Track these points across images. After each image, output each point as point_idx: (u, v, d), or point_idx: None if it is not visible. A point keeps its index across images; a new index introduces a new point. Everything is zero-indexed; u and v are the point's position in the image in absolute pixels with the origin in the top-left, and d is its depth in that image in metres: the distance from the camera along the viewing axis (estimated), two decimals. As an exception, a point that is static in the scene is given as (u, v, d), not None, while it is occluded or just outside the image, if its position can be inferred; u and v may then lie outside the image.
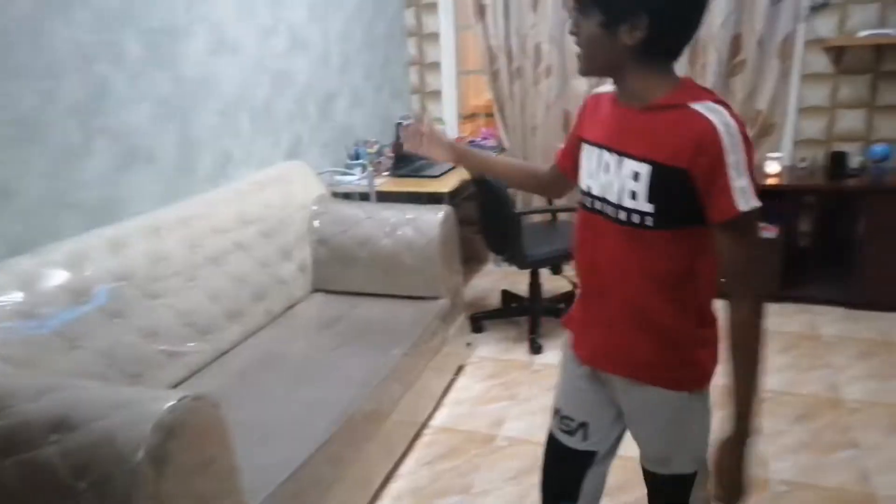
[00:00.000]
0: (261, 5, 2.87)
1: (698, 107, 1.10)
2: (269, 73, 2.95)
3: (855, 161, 3.48)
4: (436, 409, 2.71)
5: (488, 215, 3.20)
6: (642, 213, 1.16)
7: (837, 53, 3.55)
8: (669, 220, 1.15)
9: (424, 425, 2.59)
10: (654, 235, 1.17)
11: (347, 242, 2.73)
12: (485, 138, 4.30)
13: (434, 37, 4.35)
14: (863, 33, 3.35)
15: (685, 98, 1.12)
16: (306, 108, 3.26)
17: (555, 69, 3.95)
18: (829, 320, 3.30)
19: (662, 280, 1.20)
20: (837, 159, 3.44)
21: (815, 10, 3.50)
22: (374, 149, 3.64)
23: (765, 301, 1.16)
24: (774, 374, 2.82)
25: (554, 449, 1.47)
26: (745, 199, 1.08)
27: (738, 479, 1.20)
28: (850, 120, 3.62)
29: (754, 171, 1.10)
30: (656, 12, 1.10)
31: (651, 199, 1.14)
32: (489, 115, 4.32)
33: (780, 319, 3.29)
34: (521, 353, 3.16)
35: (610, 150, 1.21)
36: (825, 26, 3.52)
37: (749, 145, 1.09)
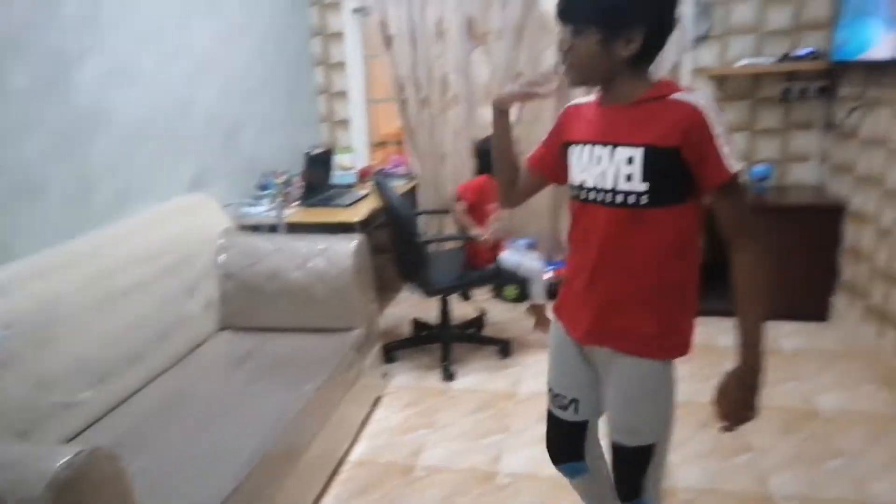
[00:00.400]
0: (162, 32, 2.79)
1: (678, 96, 1.29)
2: (171, 101, 2.86)
3: (740, 181, 3.74)
4: (354, 442, 2.66)
5: (397, 243, 3.22)
6: (637, 194, 1.32)
7: (720, 81, 3.83)
8: (661, 198, 1.32)
9: (342, 460, 2.54)
10: (647, 214, 1.33)
11: (256, 276, 2.66)
12: (395, 165, 4.33)
13: (341, 66, 4.36)
14: (740, 63, 3.63)
15: (665, 91, 1.31)
16: (211, 138, 3.17)
17: (461, 98, 4.05)
18: (723, 330, 3.50)
19: (654, 257, 1.37)
20: (724, 180, 3.69)
21: (699, 41, 3.77)
22: (283, 179, 3.59)
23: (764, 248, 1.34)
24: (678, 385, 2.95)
25: (553, 422, 1.69)
26: (734, 162, 1.27)
27: (748, 404, 1.36)
28: (734, 142, 3.89)
29: None
30: (651, 26, 1.28)
31: (645, 178, 1.31)
32: (400, 142, 4.36)
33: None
34: (436, 380, 3.17)
35: (601, 144, 1.37)
36: (708, 56, 3.80)
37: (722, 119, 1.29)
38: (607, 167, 1.35)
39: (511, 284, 3.41)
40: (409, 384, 3.14)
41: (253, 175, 3.54)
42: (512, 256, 3.24)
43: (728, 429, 1.40)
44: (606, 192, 1.36)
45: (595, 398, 1.59)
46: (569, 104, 1.52)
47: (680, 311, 1.43)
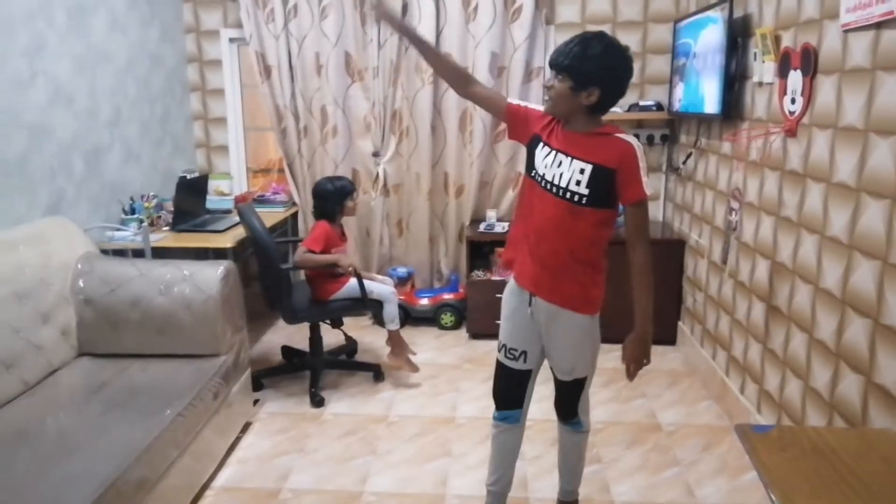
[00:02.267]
0: (14, 55, 2.70)
1: (621, 136, 1.85)
2: (24, 126, 2.76)
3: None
4: (219, 468, 2.64)
5: (261, 270, 3.24)
6: (580, 195, 1.83)
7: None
8: (593, 201, 1.83)
9: (206, 487, 2.52)
10: (581, 210, 1.84)
11: (117, 302, 2.60)
12: (275, 192, 4.35)
13: (219, 93, 4.36)
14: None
15: (611, 131, 1.86)
16: (71, 164, 3.08)
17: (340, 130, 4.16)
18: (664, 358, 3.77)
19: (580, 240, 1.89)
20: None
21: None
22: (153, 203, 3.53)
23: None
24: (600, 407, 3.16)
25: (504, 372, 2.13)
26: (647, 189, 1.83)
27: (645, 355, 2.00)
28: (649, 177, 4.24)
29: None
30: (606, 88, 1.81)
31: (588, 186, 1.81)
32: (282, 170, 4.39)
33: (601, 358, 3.70)
34: (309, 406, 3.19)
35: (564, 153, 1.86)
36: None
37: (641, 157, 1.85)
38: (565, 171, 1.84)
39: (368, 310, 3.43)
40: (280, 410, 3.15)
41: (119, 199, 3.44)
42: (368, 284, 3.24)
43: (633, 376, 2.01)
44: (560, 187, 1.85)
45: (538, 354, 2.09)
46: (540, 108, 2.02)
47: (592, 282, 1.96)
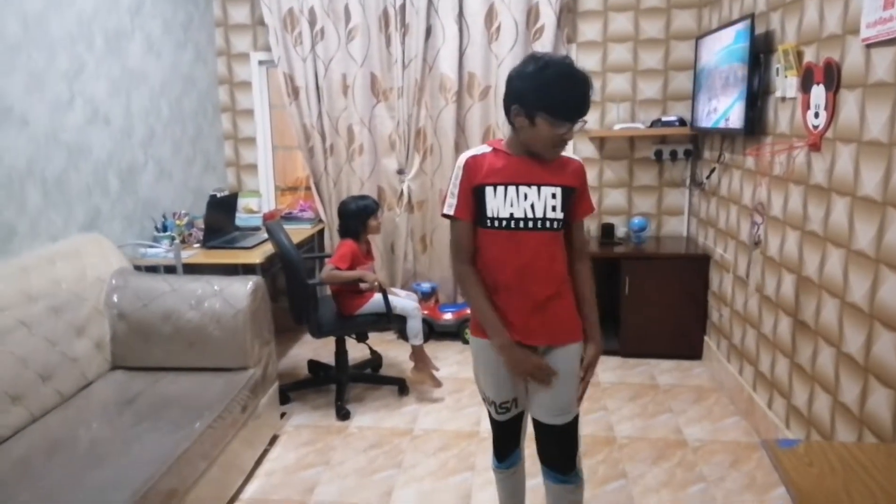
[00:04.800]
0: (55, 78, 2.82)
1: (570, 156, 1.83)
2: (64, 145, 2.87)
3: (620, 231, 4.10)
4: (247, 481, 2.68)
5: (289, 285, 3.30)
6: (558, 220, 1.77)
7: (601, 142, 4.21)
8: (564, 223, 1.80)
9: (235, 499, 2.56)
10: (558, 234, 1.80)
11: (149, 316, 2.68)
12: (302, 210, 4.43)
13: (249, 113, 4.47)
14: (617, 126, 4.02)
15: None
16: (106, 181, 3.19)
17: (366, 148, 4.23)
18: (608, 368, 3.77)
19: (560, 264, 1.83)
20: (607, 230, 4.03)
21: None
22: (184, 221, 3.62)
23: None
24: (626, 422, 3.16)
25: (499, 427, 2.01)
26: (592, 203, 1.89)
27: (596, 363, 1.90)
28: (615, 197, 4.27)
29: None
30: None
31: (562, 209, 1.77)
32: (309, 188, 4.48)
33: (627, 372, 3.73)
34: (334, 419, 3.23)
35: (527, 185, 1.75)
36: (589, 119, 4.15)
37: None
38: (536, 201, 1.75)
39: (392, 325, 3.48)
40: (307, 423, 3.19)
41: (152, 217, 3.55)
42: (393, 300, 3.28)
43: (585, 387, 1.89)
44: (538, 219, 1.76)
45: (524, 392, 1.92)
46: (465, 157, 1.81)
47: (572, 304, 1.87)
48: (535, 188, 1.75)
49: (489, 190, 1.76)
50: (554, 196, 1.75)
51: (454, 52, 3.97)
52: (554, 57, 1.68)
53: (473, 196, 1.77)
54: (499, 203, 1.76)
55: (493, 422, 2.03)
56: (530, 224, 1.76)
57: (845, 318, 2.24)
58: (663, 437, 3.03)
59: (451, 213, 1.80)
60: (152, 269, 3.18)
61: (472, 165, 1.77)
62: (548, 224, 1.76)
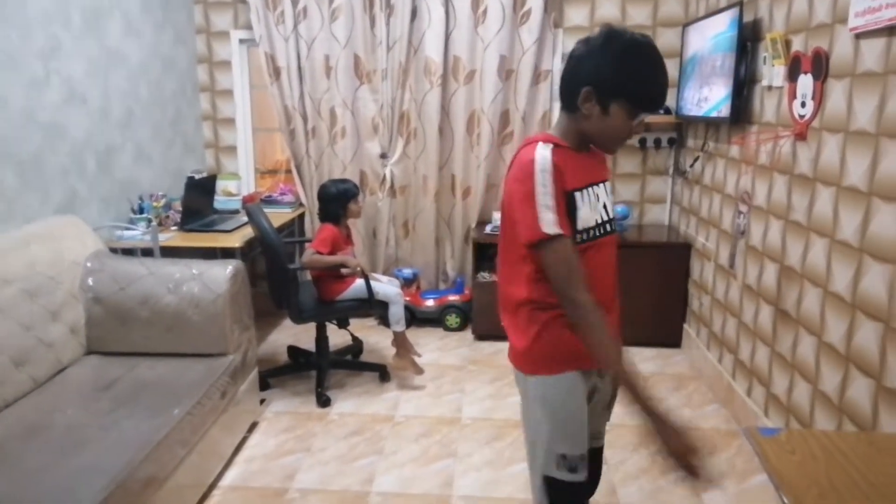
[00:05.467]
0: (30, 56, 2.72)
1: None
2: (39, 125, 2.78)
3: (604, 219, 4.09)
4: (226, 468, 2.65)
5: (269, 270, 3.26)
6: (615, 218, 1.57)
7: (586, 128, 4.18)
8: None
9: (214, 486, 2.52)
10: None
11: (126, 300, 2.61)
12: (282, 193, 4.36)
13: (228, 94, 4.38)
14: (603, 113, 4.00)
15: None
16: (84, 163, 3.10)
17: (349, 132, 4.17)
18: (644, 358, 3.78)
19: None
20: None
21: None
22: (161, 203, 3.54)
23: None
24: None
25: (569, 490, 1.59)
26: None
27: None
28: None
29: None
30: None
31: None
32: (289, 170, 4.41)
33: None
34: (315, 405, 3.20)
35: (594, 184, 1.50)
36: (576, 105, 4.14)
37: None
38: (606, 200, 1.53)
39: (374, 311, 3.43)
40: (287, 410, 3.16)
41: (129, 199, 3.46)
42: (374, 285, 3.24)
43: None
44: (609, 221, 1.52)
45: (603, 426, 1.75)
46: (549, 158, 1.41)
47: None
48: (601, 186, 1.52)
49: (578, 196, 1.44)
50: (608, 193, 1.54)
51: (440, 35, 3.92)
52: (636, 34, 1.41)
53: (566, 205, 1.42)
54: (587, 210, 1.45)
55: (556, 489, 1.57)
56: (607, 228, 1.51)
57: (827, 307, 2.25)
58: (644, 424, 3.04)
59: (556, 230, 1.38)
60: (129, 252, 3.11)
61: (558, 166, 1.40)
62: (615, 225, 1.55)
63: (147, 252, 3.13)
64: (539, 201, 1.37)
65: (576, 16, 4.05)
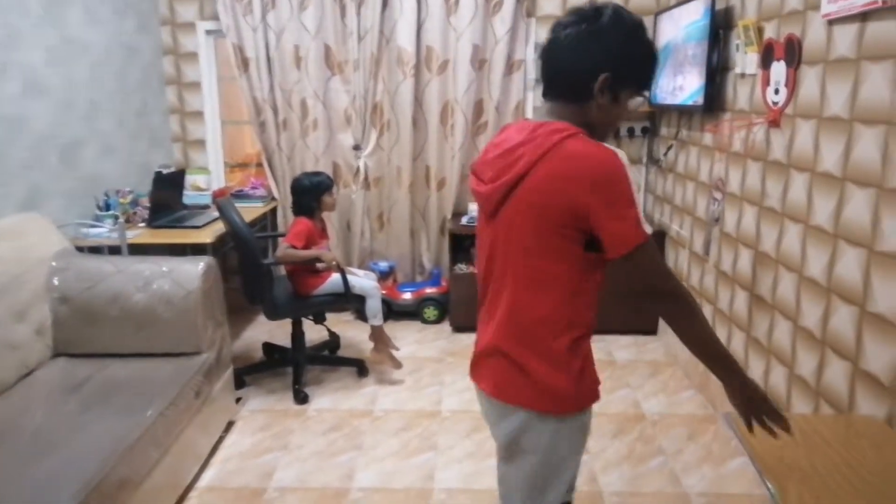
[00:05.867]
0: (-15, 44, 2.62)
1: None
2: (-3, 117, 2.68)
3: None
4: (203, 468, 2.59)
5: (242, 265, 3.19)
6: None
7: (560, 118, 4.17)
8: None
9: (191, 487, 2.47)
10: None
11: (94, 299, 2.53)
12: (254, 187, 4.29)
13: (196, 86, 4.27)
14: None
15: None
16: (46, 157, 2.99)
17: (321, 123, 4.10)
18: (621, 346, 3.81)
19: None
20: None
21: (539, 81, 4.09)
22: (128, 199, 3.45)
23: None
24: None
25: None
26: None
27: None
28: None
29: None
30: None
31: None
32: (260, 164, 4.33)
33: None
34: (291, 402, 3.15)
35: None
36: (549, 95, 4.13)
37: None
38: None
39: (351, 305, 3.37)
40: (263, 407, 3.10)
41: (94, 195, 3.36)
42: (351, 279, 3.19)
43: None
44: None
45: None
46: (620, 156, 1.27)
47: None
48: None
49: None
50: None
51: (412, 25, 3.87)
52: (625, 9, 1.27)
53: None
54: None
55: None
56: None
57: (803, 292, 2.28)
58: (622, 412, 3.06)
59: (648, 228, 1.37)
60: (96, 250, 3.01)
61: None
62: None
63: (114, 250, 3.04)
64: (636, 204, 1.24)
65: (548, 5, 4.03)
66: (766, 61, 2.52)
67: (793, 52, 2.31)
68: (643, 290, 1.30)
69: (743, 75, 2.75)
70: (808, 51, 2.24)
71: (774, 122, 2.47)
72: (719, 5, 2.95)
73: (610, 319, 3.93)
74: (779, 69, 2.41)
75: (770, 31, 2.51)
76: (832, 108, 2.09)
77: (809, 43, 2.23)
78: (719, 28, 2.96)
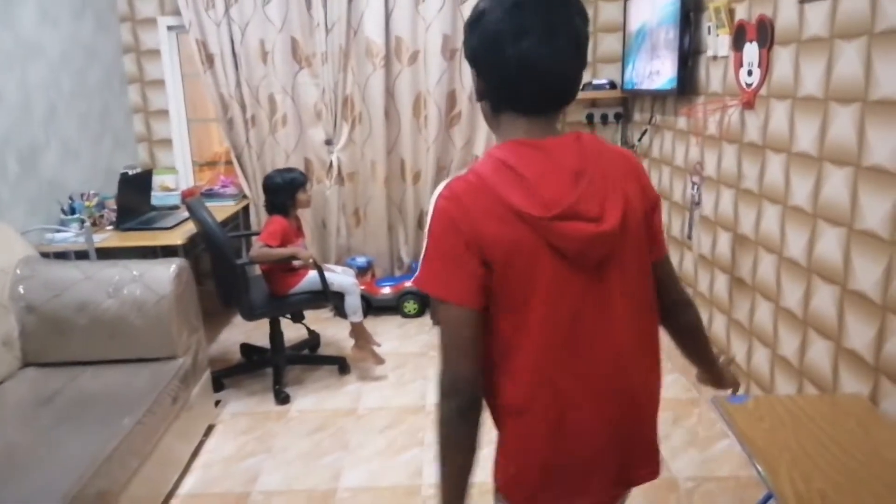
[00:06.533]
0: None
1: None
2: (-50, 122, 2.56)
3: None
4: (184, 475, 2.53)
5: (215, 266, 3.12)
6: None
7: (533, 106, 4.15)
8: None
9: (172, 495, 2.40)
10: None
11: (62, 308, 2.44)
12: (224, 186, 4.19)
13: (159, 84, 4.16)
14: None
15: None
16: (4, 164, 2.88)
17: (290, 119, 4.02)
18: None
19: None
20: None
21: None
22: (94, 202, 3.34)
23: None
24: None
25: None
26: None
27: None
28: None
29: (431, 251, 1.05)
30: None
31: None
32: (229, 162, 4.23)
33: None
34: (273, 404, 3.09)
35: None
36: (522, 83, 4.10)
37: (435, 222, 1.04)
38: None
39: (329, 302, 3.31)
40: (244, 410, 3.04)
41: (59, 199, 3.25)
42: (329, 276, 3.14)
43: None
44: None
45: None
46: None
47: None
48: None
49: None
50: None
51: (380, 15, 3.80)
52: None
53: None
54: None
55: None
56: None
57: (783, 273, 2.29)
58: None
59: None
60: (62, 256, 2.92)
61: None
62: None
63: (81, 255, 2.95)
64: None
65: (517, -8, 3.99)
66: (738, 43, 2.52)
67: (765, 33, 2.30)
68: (680, 294, 1.25)
69: (715, 58, 2.75)
70: (780, 31, 2.24)
71: (748, 104, 2.47)
72: (689, -12, 2.94)
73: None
74: (751, 50, 2.41)
75: (741, 13, 2.51)
76: (806, 87, 2.09)
77: (781, 23, 2.23)
78: (690, 10, 2.95)
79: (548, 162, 1.03)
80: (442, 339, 1.05)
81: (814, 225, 2.08)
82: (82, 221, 3.13)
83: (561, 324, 1.04)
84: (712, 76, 2.80)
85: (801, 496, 1.38)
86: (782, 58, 2.23)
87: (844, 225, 1.92)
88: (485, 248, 1.01)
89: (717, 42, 2.69)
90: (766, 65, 2.33)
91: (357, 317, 3.23)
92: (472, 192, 1.02)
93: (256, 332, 3.77)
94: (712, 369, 1.40)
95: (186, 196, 3.68)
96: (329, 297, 3.17)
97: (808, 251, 2.12)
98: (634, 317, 1.11)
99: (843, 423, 1.66)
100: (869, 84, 1.79)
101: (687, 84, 3.00)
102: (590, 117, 4.12)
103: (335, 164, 4.08)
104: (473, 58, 1.08)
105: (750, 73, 2.44)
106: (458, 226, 1.01)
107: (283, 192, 3.13)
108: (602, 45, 4.06)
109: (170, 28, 4.08)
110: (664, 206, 3.46)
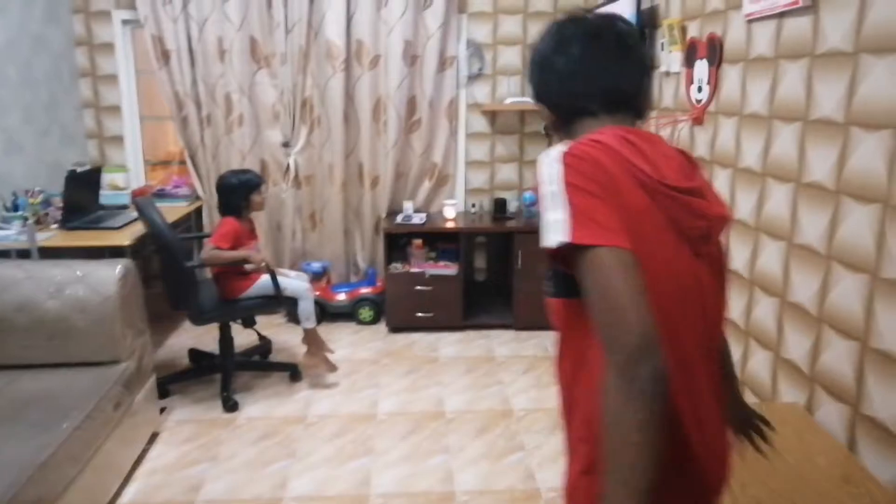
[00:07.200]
0: None
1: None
2: None
3: (512, 206, 4.12)
4: (125, 483, 2.45)
5: (164, 268, 3.05)
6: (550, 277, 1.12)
7: (492, 116, 4.19)
8: (555, 279, 1.09)
9: (112, 503, 2.33)
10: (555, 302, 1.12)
11: (2, 307, 2.35)
12: (176, 186, 4.10)
13: (112, 79, 4.05)
14: (508, 100, 4.01)
15: None
16: (-59, 154, 2.76)
17: (247, 119, 3.96)
18: (501, 342, 3.80)
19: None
20: (499, 205, 4.04)
21: (472, 78, 4.10)
22: (39, 199, 3.23)
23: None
24: (520, 395, 3.17)
25: None
26: (550, 234, 0.94)
27: None
28: (507, 172, 4.28)
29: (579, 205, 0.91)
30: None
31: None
32: (183, 162, 4.14)
33: (462, 346, 3.73)
34: (220, 411, 3.02)
35: None
36: (480, 93, 4.14)
37: (571, 174, 0.93)
38: None
39: (282, 308, 3.26)
40: (190, 417, 2.96)
41: (0, 196, 3.13)
42: (282, 280, 3.09)
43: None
44: None
45: None
46: None
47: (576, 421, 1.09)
48: None
49: None
50: None
51: (341, 17, 3.78)
52: None
53: None
54: None
55: None
56: None
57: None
58: (490, 409, 3.06)
59: None
60: (2, 255, 2.81)
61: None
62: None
63: (24, 254, 2.84)
64: None
65: (479, 1, 4.02)
66: (689, 60, 2.59)
67: (714, 51, 2.37)
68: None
69: (668, 73, 2.82)
70: (729, 49, 2.31)
71: (698, 120, 2.53)
72: (644, 5, 3.02)
73: (545, 316, 3.94)
74: (702, 67, 2.48)
75: (693, 31, 2.58)
76: (752, 105, 2.16)
77: (730, 42, 2.30)
78: (645, 27, 3.02)
79: (655, 146, 1.01)
80: (610, 296, 0.86)
81: (756, 239, 2.15)
82: (25, 219, 3.02)
83: (671, 301, 0.96)
84: (665, 91, 2.87)
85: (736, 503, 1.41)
86: (730, 76, 2.30)
87: (785, 239, 1.99)
88: (621, 207, 0.91)
89: (669, 58, 2.76)
90: (714, 82, 2.40)
91: (310, 323, 3.19)
92: (605, 151, 0.94)
93: (206, 337, 3.70)
94: (736, 412, 1.27)
95: (137, 195, 3.60)
96: (281, 302, 3.13)
97: (751, 264, 2.18)
98: (720, 300, 1.07)
99: (780, 431, 1.70)
100: (809, 104, 1.86)
101: (641, 98, 3.06)
102: (547, 128, 4.15)
103: (292, 166, 4.03)
104: (555, 93, 1.11)
105: (700, 89, 2.50)
106: (608, 169, 0.92)
107: (237, 193, 3.08)
108: (561, 57, 4.11)
109: (125, 22, 3.99)
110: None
